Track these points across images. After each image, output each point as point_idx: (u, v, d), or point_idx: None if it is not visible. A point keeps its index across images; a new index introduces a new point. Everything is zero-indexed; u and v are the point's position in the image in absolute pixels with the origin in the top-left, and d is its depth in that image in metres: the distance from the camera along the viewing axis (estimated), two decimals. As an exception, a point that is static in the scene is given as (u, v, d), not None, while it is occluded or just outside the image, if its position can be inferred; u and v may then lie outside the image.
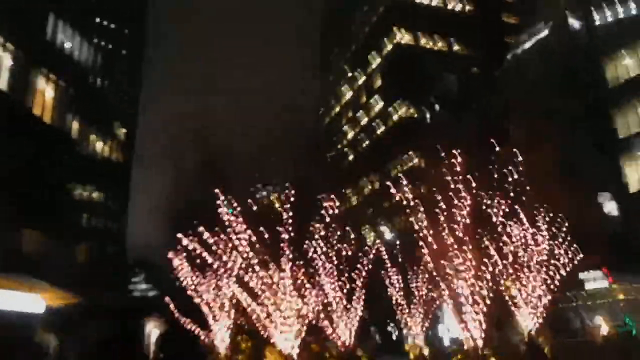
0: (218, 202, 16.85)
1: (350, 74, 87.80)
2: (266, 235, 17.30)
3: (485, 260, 17.77)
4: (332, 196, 18.53)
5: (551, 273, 20.62)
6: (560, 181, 22.24)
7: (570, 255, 21.54)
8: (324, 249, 18.92)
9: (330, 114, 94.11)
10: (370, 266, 21.64)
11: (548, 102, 37.39)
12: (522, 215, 19.26)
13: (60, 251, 40.13)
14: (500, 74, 53.04)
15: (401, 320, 26.33)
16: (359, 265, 22.03)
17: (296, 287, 17.49)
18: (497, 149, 19.36)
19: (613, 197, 39.13)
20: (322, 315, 19.88)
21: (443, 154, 18.83)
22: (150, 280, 70.38)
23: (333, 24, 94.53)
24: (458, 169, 17.47)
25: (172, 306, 23.79)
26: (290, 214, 16.94)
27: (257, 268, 16.88)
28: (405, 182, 20.19)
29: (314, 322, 19.61)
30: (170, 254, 21.22)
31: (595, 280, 33.61)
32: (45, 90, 42.42)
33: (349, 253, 20.74)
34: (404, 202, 20.04)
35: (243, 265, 17.53)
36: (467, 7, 79.20)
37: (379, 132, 76.74)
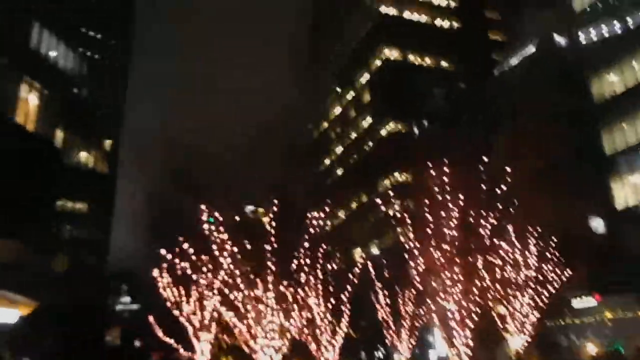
0: (200, 213, 16.25)
1: (338, 90, 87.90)
2: (249, 247, 16.75)
3: (473, 276, 17.39)
4: (317, 210, 17.99)
5: (539, 290, 20.30)
6: (546, 195, 22.06)
7: (558, 273, 21.30)
8: (309, 263, 18.40)
9: (319, 129, 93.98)
10: (356, 282, 21.17)
11: (534, 117, 37.47)
12: (510, 230, 18.97)
13: (37, 261, 39.19)
14: (487, 89, 53.36)
15: (388, 338, 25.81)
16: (344, 282, 21.53)
17: (279, 302, 16.94)
18: (485, 159, 19.08)
19: (600, 213, 39.12)
20: (306, 331, 19.34)
21: (431, 169, 18.56)
22: (133, 293, 68.96)
23: (320, 39, 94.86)
24: (446, 182, 17.14)
25: (151, 319, 23.03)
26: (274, 225, 16.44)
27: (238, 281, 16.30)
28: (393, 198, 19.90)
29: (297, 338, 19.05)
30: (154, 270, 20.55)
31: (582, 299, 33.41)
32: (29, 99, 41.79)
33: (335, 267, 20.25)
34: (392, 217, 19.70)
35: (225, 278, 16.96)
36: (455, 24, 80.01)
37: (367, 147, 76.66)
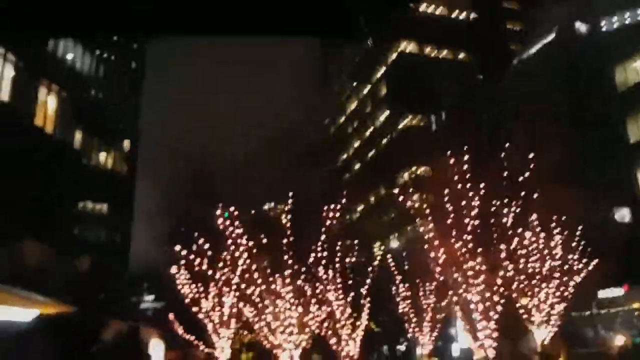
0: (216, 209, 16.12)
1: (354, 84, 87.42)
2: (264, 241, 16.57)
3: (496, 266, 16.93)
4: (334, 203, 17.70)
5: (564, 280, 19.72)
6: (570, 184, 21.40)
7: (584, 263, 20.67)
8: (327, 257, 18.14)
9: (336, 125, 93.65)
10: (375, 275, 20.87)
11: (554, 106, 36.64)
12: (533, 217, 18.41)
13: (61, 263, 39.70)
14: (505, 79, 52.42)
15: (409, 332, 25.43)
16: (364, 275, 21.25)
17: (297, 297, 16.73)
18: (505, 148, 18.59)
19: (626, 203, 38.10)
20: (325, 326, 19.11)
21: (451, 160, 18.14)
22: (156, 292, 69.48)
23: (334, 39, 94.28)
24: (466, 170, 16.71)
25: (171, 317, 23.04)
26: (290, 218, 16.22)
27: (255, 276, 16.13)
28: (412, 191, 19.56)
29: (317, 332, 18.83)
30: (172, 267, 20.52)
31: (609, 289, 32.51)
32: (48, 102, 42.29)
33: (353, 261, 19.98)
34: (411, 210, 19.35)
35: (241, 274, 16.80)
36: (471, 15, 78.75)
37: (384, 141, 76.09)
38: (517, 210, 17.51)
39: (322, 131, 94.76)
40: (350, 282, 20.36)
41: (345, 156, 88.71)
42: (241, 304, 17.64)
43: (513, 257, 17.98)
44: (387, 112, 76.69)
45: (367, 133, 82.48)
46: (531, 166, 17.84)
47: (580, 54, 44.07)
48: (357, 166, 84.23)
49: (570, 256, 20.40)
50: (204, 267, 17.51)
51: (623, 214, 38.11)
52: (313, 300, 17.80)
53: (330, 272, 18.68)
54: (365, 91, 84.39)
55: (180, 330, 22.55)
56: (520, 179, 17.70)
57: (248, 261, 16.39)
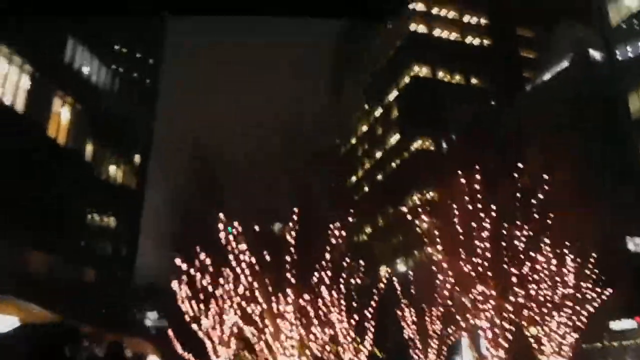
0: (219, 222, 15.80)
1: (366, 106, 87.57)
2: (268, 259, 16.17)
3: (506, 292, 16.36)
4: (340, 221, 17.31)
5: (577, 309, 19.05)
6: (583, 211, 20.89)
7: (597, 292, 20.02)
8: (331, 276, 17.69)
9: (347, 146, 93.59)
10: (380, 298, 20.35)
11: (567, 132, 36.21)
12: (546, 242, 17.86)
13: (67, 274, 39.58)
14: (519, 105, 52.14)
15: (414, 358, 24.72)
16: (369, 298, 20.73)
17: (299, 317, 16.25)
18: (517, 173, 18.18)
19: (638, 233, 37.27)
20: (327, 348, 18.55)
21: (462, 177, 17.78)
22: (159, 309, 68.93)
23: (348, 55, 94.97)
24: (478, 191, 16.31)
25: (170, 333, 22.59)
26: (294, 234, 15.85)
27: (257, 294, 15.71)
28: (421, 214, 19.15)
29: (319, 355, 18.28)
30: (174, 284, 20.16)
31: (621, 321, 31.59)
32: (62, 113, 42.63)
33: (359, 282, 19.49)
34: (420, 234, 18.90)
35: (243, 292, 16.40)
36: (485, 42, 79.00)
37: (394, 164, 75.77)
38: (530, 234, 16.98)
39: (333, 148, 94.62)
40: (354, 304, 19.85)
41: (354, 178, 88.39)
42: (242, 323, 17.19)
43: (524, 282, 17.39)
44: (398, 135, 76.54)
45: (378, 155, 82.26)
46: (544, 188, 17.37)
47: (593, 81, 43.81)
48: (366, 188, 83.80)
49: (583, 284, 19.75)
50: (205, 283, 17.09)
51: (637, 243, 37.26)
52: (315, 322, 17.29)
53: (335, 293, 18.20)
54: (377, 113, 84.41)
55: (179, 348, 22.09)
56: (533, 201, 17.21)
57: (250, 279, 15.97)
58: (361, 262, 21.94)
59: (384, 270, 26.81)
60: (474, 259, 16.35)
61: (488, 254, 16.08)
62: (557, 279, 18.70)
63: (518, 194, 17.54)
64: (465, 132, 57.02)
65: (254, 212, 18.42)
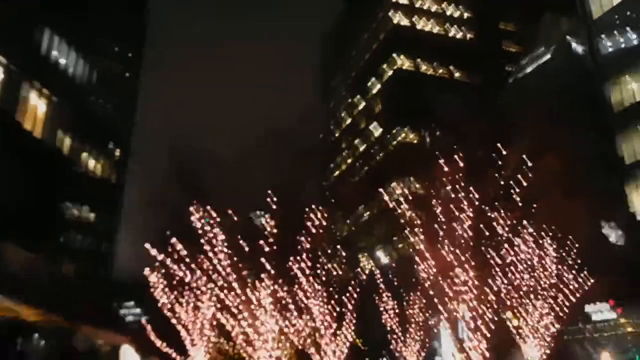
0: (193, 213, 15.34)
1: (350, 100, 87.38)
2: (246, 248, 15.76)
3: (489, 280, 16.18)
4: (318, 209, 16.94)
5: (559, 300, 18.99)
6: (563, 201, 20.87)
7: (578, 281, 19.99)
8: (311, 266, 17.35)
9: (331, 139, 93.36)
10: (361, 288, 20.09)
11: (550, 125, 36.30)
12: (529, 230, 17.73)
13: (46, 269, 38.84)
14: (501, 98, 52.27)
15: (396, 348, 24.58)
16: (350, 288, 20.46)
17: (278, 308, 15.88)
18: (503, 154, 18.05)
19: (619, 224, 37.57)
20: (308, 341, 18.24)
21: (444, 169, 17.58)
22: (141, 302, 68.17)
23: (334, 50, 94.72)
24: (459, 180, 16.07)
25: (145, 324, 22.10)
26: (272, 223, 15.45)
27: (234, 285, 15.30)
28: (404, 205, 18.88)
29: (300, 346, 17.97)
30: (147, 271, 19.64)
31: (602, 312, 31.80)
32: (38, 105, 41.55)
33: (339, 272, 19.19)
34: (403, 224, 18.65)
35: (221, 283, 15.98)
36: (468, 35, 79.19)
37: (378, 157, 75.71)
38: (512, 221, 16.83)
39: (317, 141, 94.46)
40: (335, 295, 19.57)
41: (338, 171, 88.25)
42: (219, 314, 16.78)
43: (506, 270, 17.24)
44: (380, 128, 76.49)
45: (361, 147, 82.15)
46: (526, 177, 17.23)
47: (575, 73, 44.04)
48: (350, 180, 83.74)
49: (564, 274, 19.70)
50: (180, 272, 16.64)
51: (616, 234, 37.56)
52: (295, 313, 16.94)
53: (315, 283, 17.88)
54: (361, 106, 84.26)
55: (155, 340, 21.62)
56: (516, 189, 17.05)
57: (228, 269, 15.55)
58: (342, 252, 21.63)
59: (365, 261, 26.56)
60: (455, 246, 16.12)
61: (470, 242, 15.86)
62: (538, 266, 18.62)
63: (501, 182, 17.36)
64: (448, 124, 57.09)
65: (232, 200, 18.00)
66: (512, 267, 17.56)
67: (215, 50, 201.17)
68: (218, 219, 15.63)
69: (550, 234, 19.07)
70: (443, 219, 17.38)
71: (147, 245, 16.90)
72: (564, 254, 19.82)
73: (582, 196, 29.42)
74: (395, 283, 24.48)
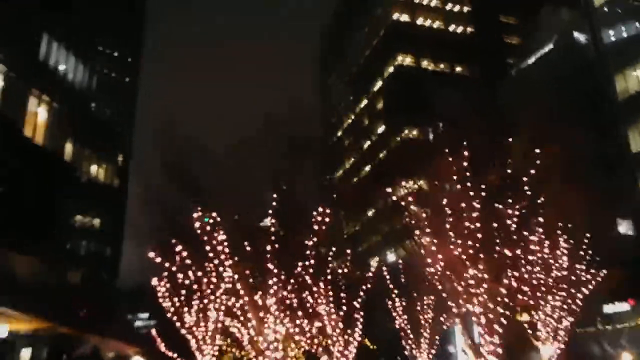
0: (194, 213, 14.95)
1: (351, 97, 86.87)
2: (248, 248, 15.35)
3: (499, 274, 15.71)
4: (323, 207, 16.48)
5: (572, 293, 18.50)
6: (570, 189, 20.36)
7: (591, 275, 19.48)
8: (317, 265, 16.92)
9: (333, 138, 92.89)
10: (369, 288, 19.65)
11: (553, 115, 35.78)
12: (538, 222, 17.23)
13: (52, 276, 38.73)
14: (503, 90, 51.76)
15: (406, 348, 24.14)
16: (357, 287, 20.01)
17: (283, 309, 15.48)
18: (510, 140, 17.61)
19: (630, 214, 36.97)
20: (316, 342, 17.84)
21: (450, 162, 17.16)
22: (148, 309, 67.94)
23: (332, 46, 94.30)
24: (466, 170, 15.64)
25: (153, 332, 21.76)
26: (274, 222, 15.06)
27: (238, 286, 14.91)
28: (410, 201, 18.45)
29: (307, 348, 17.57)
30: (154, 280, 19.27)
31: (614, 304, 31.24)
32: (38, 112, 41.30)
33: (346, 271, 18.77)
34: (410, 219, 18.21)
35: (225, 285, 15.58)
36: (468, 29, 78.63)
37: (381, 155, 75.23)
38: (522, 212, 16.35)
39: (317, 138, 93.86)
40: (343, 294, 19.14)
41: (341, 170, 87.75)
42: (226, 319, 16.40)
43: (517, 264, 16.76)
44: (383, 125, 76.02)
45: (365, 145, 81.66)
46: (535, 166, 16.77)
47: (579, 63, 43.52)
48: (354, 180, 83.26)
49: (577, 266, 19.19)
50: (184, 278, 16.26)
51: (628, 226, 36.98)
52: (301, 314, 16.53)
53: (321, 283, 17.47)
54: (363, 104, 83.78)
55: (162, 347, 21.27)
56: (524, 178, 16.59)
57: (230, 271, 15.16)
58: (348, 251, 21.20)
59: (373, 261, 26.13)
60: (464, 241, 15.66)
61: (479, 235, 15.41)
62: (551, 261, 18.13)
63: (507, 170, 16.93)
64: (451, 118, 56.57)
65: (233, 200, 17.61)
66: (522, 261, 17.08)
67: (215, 50, 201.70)
68: (218, 218, 15.22)
69: (560, 224, 18.58)
70: (450, 214, 16.94)
71: (151, 254, 16.49)
72: (574, 245, 19.31)
73: (589, 186, 28.90)
74: (403, 280, 24.02)
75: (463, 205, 15.59)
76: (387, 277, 23.30)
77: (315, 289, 17.11)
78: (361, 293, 19.55)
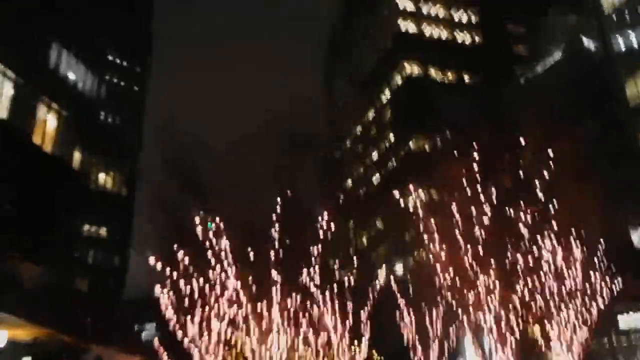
0: (196, 219, 14.61)
1: (359, 107, 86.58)
2: (251, 256, 14.95)
3: (512, 281, 15.19)
4: (327, 211, 16.07)
5: (586, 303, 17.89)
6: (585, 201, 19.80)
7: (606, 284, 18.86)
8: (323, 275, 16.49)
9: (341, 149, 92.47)
10: (377, 298, 19.15)
11: (563, 121, 35.28)
12: (552, 225, 16.70)
13: (56, 285, 38.58)
14: (512, 97, 51.30)
15: (414, 360, 23.49)
16: (365, 298, 19.56)
17: (287, 318, 15.03)
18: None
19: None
20: (322, 353, 17.36)
21: (460, 169, 16.76)
22: (154, 319, 67.50)
23: (337, 55, 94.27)
24: (476, 173, 15.22)
25: (155, 343, 21.35)
26: (277, 228, 14.66)
27: (241, 294, 14.51)
28: (420, 210, 18.03)
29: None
30: (157, 289, 18.85)
31: (630, 315, 30.41)
32: (47, 120, 41.35)
33: (352, 281, 18.30)
34: (420, 228, 17.78)
35: (229, 295, 15.19)
36: (476, 39, 78.42)
37: (391, 165, 74.77)
38: (534, 216, 15.84)
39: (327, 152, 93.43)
40: (349, 304, 18.65)
41: (350, 181, 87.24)
42: (228, 329, 15.98)
43: (530, 271, 16.21)
44: (392, 135, 75.70)
45: (374, 156, 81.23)
46: (546, 166, 16.30)
47: (587, 68, 43.07)
48: (362, 191, 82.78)
49: (591, 276, 18.59)
50: (187, 287, 15.88)
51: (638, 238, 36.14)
52: (306, 324, 16.07)
53: (327, 292, 17.01)
54: (371, 115, 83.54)
55: (165, 358, 20.82)
56: (537, 182, 16.10)
57: (234, 279, 14.77)
58: (355, 259, 20.72)
59: (381, 271, 25.63)
60: (475, 248, 15.17)
61: (490, 242, 14.91)
62: (564, 269, 17.57)
63: (520, 172, 16.46)
64: (459, 127, 56.11)
65: (237, 206, 17.25)
66: (535, 269, 16.52)
67: (215, 50, 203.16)
68: (222, 224, 14.86)
69: (573, 230, 18.02)
70: (460, 222, 16.51)
71: (152, 260, 16.09)
72: (588, 253, 18.73)
73: (601, 188, 28.19)
74: (411, 291, 23.45)
75: (473, 209, 15.10)
76: (395, 287, 22.78)
77: (321, 298, 16.65)
78: (368, 303, 19.06)
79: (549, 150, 17.28)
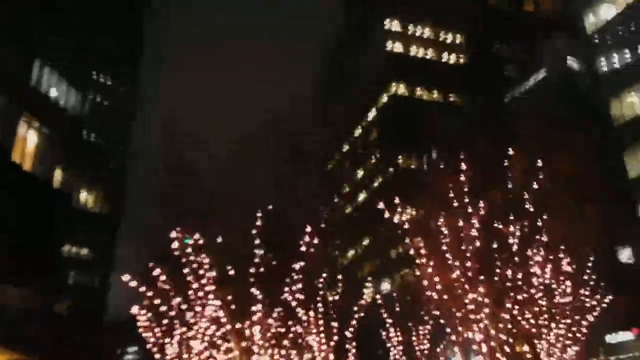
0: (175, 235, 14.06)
1: (347, 127, 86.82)
2: (232, 272, 14.42)
3: (501, 297, 14.81)
4: (315, 229, 15.65)
5: (576, 320, 17.56)
6: (572, 220, 19.69)
7: (595, 301, 18.59)
8: (306, 292, 15.98)
9: (328, 167, 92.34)
10: (362, 317, 18.64)
11: (549, 140, 35.46)
12: (541, 239, 16.44)
13: (43, 308, 37.61)
14: (499, 116, 51.74)
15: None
16: (350, 317, 19.02)
17: (269, 338, 14.46)
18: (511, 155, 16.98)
19: (628, 242, 36.19)
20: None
21: (446, 191, 16.51)
22: (136, 341, 65.86)
23: (332, 73, 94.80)
24: (465, 185, 14.94)
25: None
26: (258, 242, 14.15)
27: (220, 313, 13.93)
28: (407, 229, 17.69)
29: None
30: (134, 309, 18.13)
31: (617, 333, 30.16)
32: (28, 137, 40.60)
33: (336, 299, 17.78)
34: (405, 247, 17.39)
35: (208, 313, 14.59)
36: (462, 60, 79.41)
37: (376, 184, 74.72)
38: (524, 230, 15.56)
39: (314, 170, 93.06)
40: (334, 323, 18.10)
41: (337, 199, 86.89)
42: (208, 350, 15.33)
43: (519, 287, 15.87)
44: (378, 154, 75.88)
45: (360, 175, 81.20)
46: (535, 185, 16.10)
47: (574, 89, 43.57)
48: (348, 210, 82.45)
49: (580, 291, 18.32)
50: (164, 302, 15.27)
51: (627, 253, 36.14)
52: (289, 344, 15.50)
53: (312, 312, 16.47)
54: (357, 133, 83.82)
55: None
56: (525, 196, 15.88)
57: (213, 297, 14.20)
58: (339, 277, 20.22)
59: (367, 289, 25.13)
60: (463, 265, 14.82)
61: (479, 259, 14.59)
62: (554, 285, 17.26)
63: (509, 187, 16.23)
64: (446, 147, 56.30)
65: (217, 222, 16.77)
66: (524, 286, 16.20)
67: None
68: (201, 241, 14.34)
69: (562, 247, 17.79)
70: (448, 241, 16.20)
71: (125, 278, 15.42)
72: (578, 268, 18.48)
73: (590, 207, 28.15)
74: (398, 309, 22.99)
75: (461, 223, 14.79)
76: (382, 305, 22.31)
77: (304, 317, 16.10)
78: (354, 322, 18.55)
79: (538, 167, 17.02)
